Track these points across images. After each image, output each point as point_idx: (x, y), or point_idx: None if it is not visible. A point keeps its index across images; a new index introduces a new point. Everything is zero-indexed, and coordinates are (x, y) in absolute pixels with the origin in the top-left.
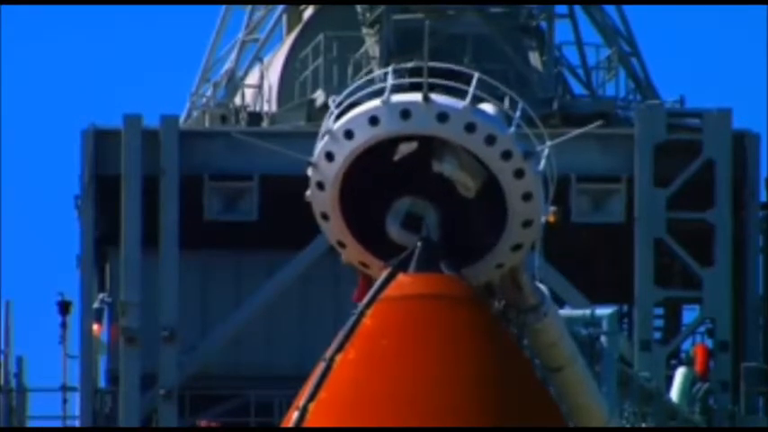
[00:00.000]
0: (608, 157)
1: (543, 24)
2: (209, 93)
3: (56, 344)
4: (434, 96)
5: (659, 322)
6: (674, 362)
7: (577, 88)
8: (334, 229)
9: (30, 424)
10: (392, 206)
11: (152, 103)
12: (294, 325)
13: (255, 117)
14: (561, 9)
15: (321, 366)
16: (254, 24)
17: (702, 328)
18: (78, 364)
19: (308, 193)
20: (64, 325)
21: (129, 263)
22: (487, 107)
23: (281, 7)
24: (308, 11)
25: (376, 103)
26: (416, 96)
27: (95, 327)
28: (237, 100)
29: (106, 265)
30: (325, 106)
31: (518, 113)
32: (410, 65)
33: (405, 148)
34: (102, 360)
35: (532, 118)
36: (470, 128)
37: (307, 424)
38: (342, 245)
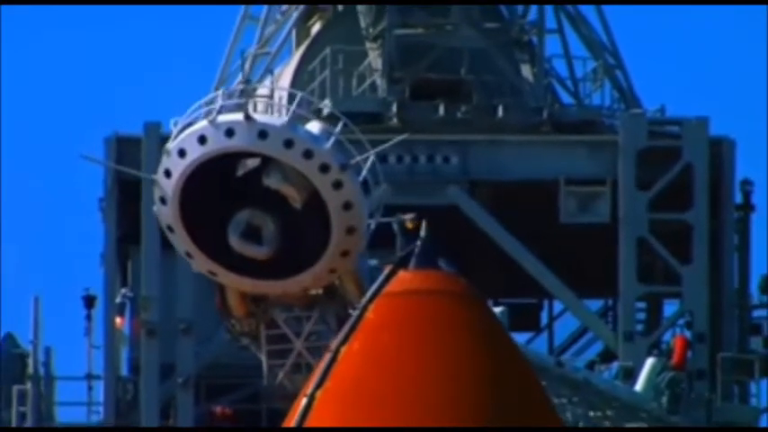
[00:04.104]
0: (594, 162)
1: (534, 39)
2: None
3: (81, 335)
4: (256, 115)
5: (641, 315)
6: (655, 352)
7: (566, 98)
8: (180, 240)
9: (57, 410)
10: (232, 218)
11: (171, 112)
12: None
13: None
14: (551, 24)
15: (327, 357)
16: (265, 39)
17: (682, 321)
18: (102, 354)
19: (155, 207)
20: (89, 318)
21: (148, 260)
22: (312, 125)
23: (290, 23)
24: (316, 26)
25: (204, 122)
26: (239, 116)
27: (118, 320)
28: (250, 109)
29: (128, 263)
30: (332, 115)
31: (338, 129)
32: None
33: (250, 163)
34: (125, 351)
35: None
36: (288, 143)
37: (314, 410)
38: (189, 255)
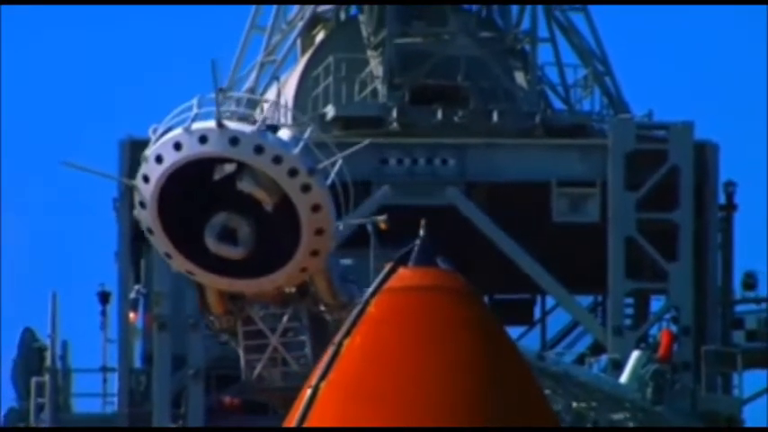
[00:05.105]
0: (585, 165)
1: (527, 47)
2: (232, 108)
3: (97, 330)
4: (228, 123)
5: (630, 310)
6: (642, 345)
7: (558, 103)
8: (160, 242)
9: (73, 401)
10: (209, 220)
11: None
12: None
13: (273, 129)
14: (543, 33)
15: (331, 350)
16: (272, 47)
17: (668, 316)
18: (116, 347)
19: (135, 211)
20: (104, 313)
21: (160, 258)
22: (283, 132)
23: (295, 32)
24: (320, 35)
25: (179, 130)
26: (212, 123)
27: (131, 314)
28: (257, 114)
29: (141, 260)
30: (336, 119)
31: (306, 135)
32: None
33: (227, 168)
34: (138, 344)
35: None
36: (259, 149)
37: (318, 401)
38: (168, 256)
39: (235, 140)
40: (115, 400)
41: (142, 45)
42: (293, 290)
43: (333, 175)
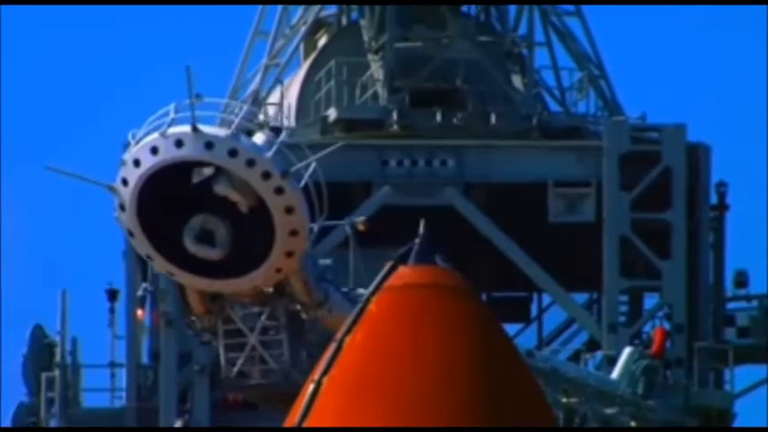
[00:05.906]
0: (580, 166)
1: (524, 51)
2: (236, 110)
3: (105, 326)
4: (202, 127)
5: (624, 308)
6: (636, 342)
7: (554, 106)
8: (140, 244)
9: (82, 396)
10: (187, 223)
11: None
12: None
13: (276, 131)
14: (540, 38)
15: (333, 346)
16: (275, 52)
17: (661, 313)
18: (124, 343)
19: (116, 214)
20: (112, 310)
21: None
22: (258, 137)
23: (299, 36)
24: (322, 40)
25: (155, 135)
26: (187, 128)
27: (139, 312)
28: (261, 116)
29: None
30: (337, 122)
31: (279, 139)
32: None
33: (205, 172)
34: (145, 340)
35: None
36: (233, 153)
37: (321, 395)
38: (149, 258)
39: (210, 144)
40: (123, 395)
41: (147, 47)
42: (270, 289)
43: (306, 177)
